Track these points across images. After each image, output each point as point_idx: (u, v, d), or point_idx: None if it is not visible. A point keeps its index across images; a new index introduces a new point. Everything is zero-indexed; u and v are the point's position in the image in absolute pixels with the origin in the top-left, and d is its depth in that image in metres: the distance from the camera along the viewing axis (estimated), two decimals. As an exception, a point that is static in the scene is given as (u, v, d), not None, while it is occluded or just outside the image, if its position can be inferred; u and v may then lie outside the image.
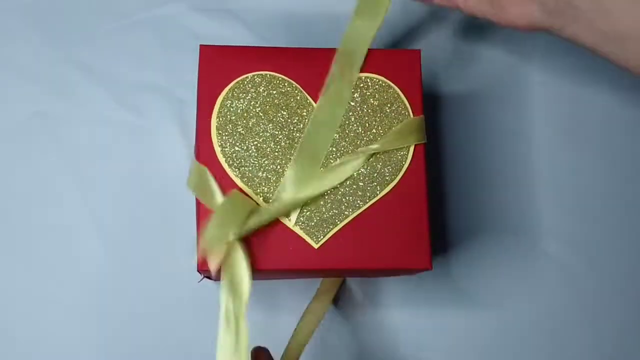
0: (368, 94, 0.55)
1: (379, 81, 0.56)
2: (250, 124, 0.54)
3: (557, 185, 0.68)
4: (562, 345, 0.65)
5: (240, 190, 0.53)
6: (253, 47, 0.56)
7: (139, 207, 0.64)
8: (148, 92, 0.67)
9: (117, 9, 0.68)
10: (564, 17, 0.54)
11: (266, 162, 0.53)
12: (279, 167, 0.53)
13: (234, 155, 0.53)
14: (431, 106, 0.68)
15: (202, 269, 0.52)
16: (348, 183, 0.54)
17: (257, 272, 0.54)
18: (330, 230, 0.53)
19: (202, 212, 0.52)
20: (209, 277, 0.59)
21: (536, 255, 0.67)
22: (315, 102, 0.55)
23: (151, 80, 0.67)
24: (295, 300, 0.63)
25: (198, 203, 0.53)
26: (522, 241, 0.67)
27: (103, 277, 0.63)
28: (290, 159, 0.53)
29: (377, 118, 0.55)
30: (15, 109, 0.65)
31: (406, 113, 0.55)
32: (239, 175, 0.53)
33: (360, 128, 0.55)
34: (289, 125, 0.54)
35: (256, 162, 0.53)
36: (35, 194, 0.64)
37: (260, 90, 0.54)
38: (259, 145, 0.54)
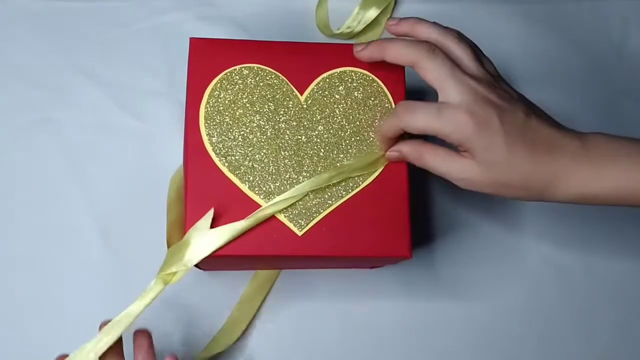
0: (352, 87, 0.57)
1: (363, 75, 0.57)
2: (237, 114, 0.55)
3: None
4: (548, 338, 0.67)
5: (227, 178, 0.54)
6: (241, 40, 0.58)
7: (143, 210, 0.65)
8: (151, 98, 0.68)
9: (122, 18, 0.70)
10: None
11: (252, 151, 0.55)
12: (264, 156, 0.55)
13: (220, 144, 0.55)
14: (417, 99, 0.69)
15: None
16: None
17: (242, 258, 0.55)
18: (313, 219, 0.55)
19: (189, 199, 0.54)
20: (197, 266, 0.61)
21: (519, 248, 0.68)
22: (301, 95, 0.56)
23: (154, 87, 0.68)
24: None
25: (186, 189, 0.55)
26: (506, 234, 0.68)
27: (105, 280, 0.64)
28: (275, 149, 0.55)
29: (361, 111, 0.57)
30: (21, 115, 0.67)
31: (389, 107, 0.57)
32: (226, 164, 0.55)
33: (344, 120, 0.56)
34: (275, 117, 0.56)
35: (242, 151, 0.55)
36: (40, 199, 0.65)
37: (248, 82, 0.56)
38: (245, 135, 0.55)
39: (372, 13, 0.70)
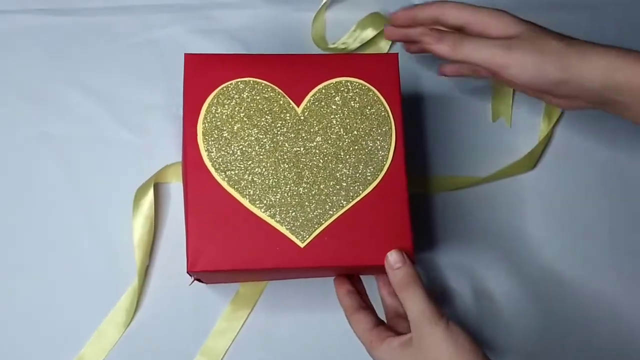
0: (349, 97, 0.57)
1: (359, 84, 0.58)
2: (235, 128, 0.56)
3: (540, 190, 0.70)
4: (547, 343, 0.67)
5: (227, 193, 0.54)
6: (236, 54, 0.58)
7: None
8: (149, 112, 0.68)
9: (119, 32, 0.70)
10: (612, 108, 0.56)
11: (251, 165, 0.55)
12: (264, 169, 0.55)
13: (220, 159, 0.55)
14: (414, 106, 0.70)
15: (192, 270, 0.53)
16: (332, 184, 0.55)
17: (245, 272, 0.55)
18: (315, 230, 0.55)
19: (190, 215, 0.54)
20: (200, 280, 0.61)
21: (522, 253, 0.68)
22: (298, 106, 0.56)
23: (152, 100, 0.68)
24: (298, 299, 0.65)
25: (186, 205, 0.55)
26: (509, 238, 0.68)
27: (105, 291, 0.63)
28: (274, 161, 0.55)
29: (357, 120, 0.57)
30: (20, 130, 0.66)
31: (386, 115, 0.57)
32: (226, 179, 0.55)
33: (342, 130, 0.57)
34: (272, 129, 0.56)
35: (242, 166, 0.55)
36: (38, 212, 0.65)
37: (244, 96, 0.56)
38: (244, 149, 0.55)
39: (369, 33, 0.70)
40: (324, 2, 0.71)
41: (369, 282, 0.61)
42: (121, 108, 0.68)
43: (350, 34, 0.71)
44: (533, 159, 0.69)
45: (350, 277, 0.60)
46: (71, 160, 0.66)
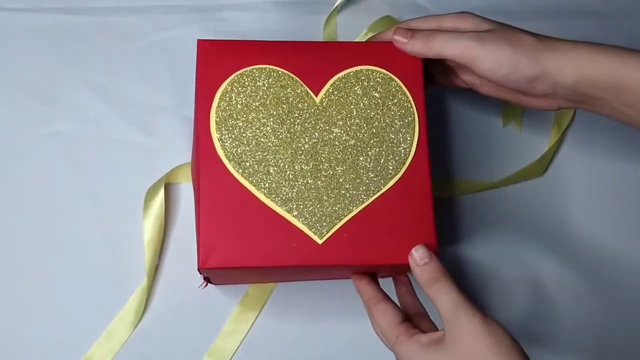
0: (370, 86, 0.54)
1: (380, 74, 0.55)
2: (250, 118, 0.53)
3: (550, 195, 0.69)
4: (566, 347, 0.65)
5: (242, 186, 0.51)
6: (251, 41, 0.55)
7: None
8: (159, 113, 0.67)
9: (129, 32, 0.69)
10: (588, 105, 0.55)
11: (267, 156, 0.52)
12: (279, 160, 0.52)
13: (234, 150, 0.52)
14: (437, 98, 0.69)
15: (204, 267, 0.51)
16: (351, 177, 0.53)
17: (259, 270, 0.52)
18: (334, 226, 0.52)
19: (202, 209, 0.51)
20: (210, 281, 0.58)
21: (534, 256, 0.67)
22: (316, 96, 0.54)
23: (162, 102, 0.67)
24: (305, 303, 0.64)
25: (197, 199, 0.52)
26: (533, 234, 0.67)
27: (115, 291, 0.63)
28: (291, 153, 0.52)
29: (379, 111, 0.54)
30: (30, 130, 0.66)
31: (409, 106, 0.55)
32: (240, 171, 0.52)
33: (362, 121, 0.54)
34: (289, 119, 0.53)
35: (257, 157, 0.52)
36: (47, 212, 0.64)
37: (260, 84, 0.54)
38: (259, 139, 0.52)
39: None
40: (335, 5, 0.70)
41: (383, 286, 0.58)
42: (131, 108, 0.67)
43: (361, 37, 0.70)
44: (543, 165, 0.69)
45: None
46: (81, 160, 0.65)
